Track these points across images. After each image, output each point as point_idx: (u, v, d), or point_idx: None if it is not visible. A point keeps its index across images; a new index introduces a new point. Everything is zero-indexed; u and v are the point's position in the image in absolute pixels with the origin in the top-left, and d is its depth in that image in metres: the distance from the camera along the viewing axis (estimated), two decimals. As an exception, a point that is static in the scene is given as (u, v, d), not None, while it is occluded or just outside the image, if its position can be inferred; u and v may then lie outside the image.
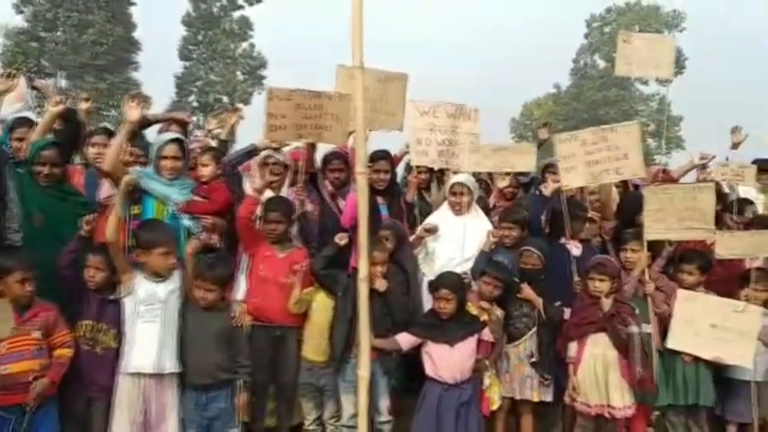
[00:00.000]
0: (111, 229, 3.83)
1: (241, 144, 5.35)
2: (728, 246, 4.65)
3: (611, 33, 34.19)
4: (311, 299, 4.31)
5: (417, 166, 5.31)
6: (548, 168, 5.53)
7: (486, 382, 4.35)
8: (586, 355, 4.34)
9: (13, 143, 4.57)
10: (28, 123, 4.68)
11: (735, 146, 6.58)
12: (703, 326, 4.51)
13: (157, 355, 3.82)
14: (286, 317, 4.28)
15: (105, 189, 4.30)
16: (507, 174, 5.43)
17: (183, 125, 5.65)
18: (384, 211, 4.91)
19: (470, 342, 4.20)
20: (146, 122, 5.24)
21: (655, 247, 4.73)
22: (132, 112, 4.14)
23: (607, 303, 4.32)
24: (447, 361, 4.14)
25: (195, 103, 34.14)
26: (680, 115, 36.51)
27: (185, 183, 4.39)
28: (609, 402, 4.26)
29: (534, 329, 4.47)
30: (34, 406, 3.54)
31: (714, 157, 6.11)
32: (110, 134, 4.88)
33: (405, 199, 5.26)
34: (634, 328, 4.30)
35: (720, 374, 4.61)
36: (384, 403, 4.26)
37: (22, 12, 29.74)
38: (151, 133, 5.31)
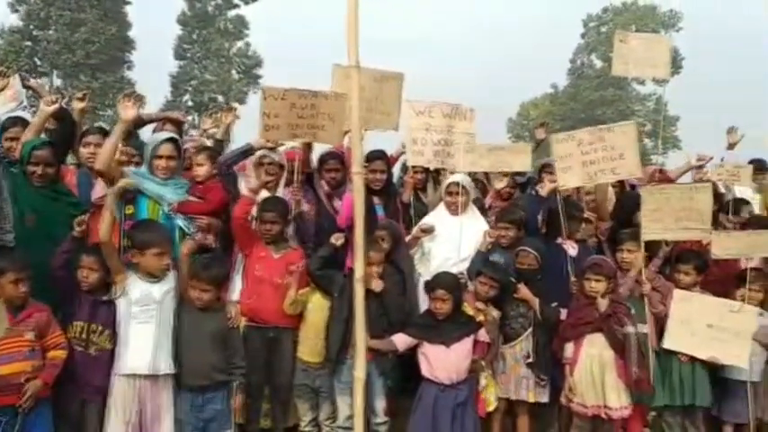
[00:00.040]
0: (105, 229, 3.81)
1: (237, 144, 5.32)
2: (724, 246, 4.65)
3: (608, 33, 34.21)
4: (306, 300, 4.30)
5: (413, 167, 5.30)
6: (544, 168, 5.52)
7: (483, 382, 4.35)
8: (583, 355, 4.34)
9: (5, 143, 4.53)
10: (21, 123, 4.64)
11: (731, 146, 6.59)
12: (699, 326, 4.52)
13: (152, 356, 3.80)
14: (281, 318, 4.26)
15: (99, 189, 4.26)
16: (505, 174, 5.42)
17: (177, 125, 5.62)
18: (380, 212, 4.91)
19: (466, 343, 4.19)
20: (140, 122, 5.22)
21: (651, 248, 4.73)
22: (127, 111, 4.11)
23: (603, 304, 4.31)
24: (443, 362, 4.13)
25: (190, 103, 34.07)
26: (676, 115, 36.55)
27: (180, 182, 4.36)
28: (605, 403, 4.26)
29: (530, 330, 4.47)
30: (27, 408, 3.52)
31: (711, 158, 6.12)
32: (104, 134, 4.84)
33: (401, 199, 5.26)
34: (630, 329, 4.30)
35: (717, 375, 4.62)
36: (380, 404, 4.25)
37: (17, 11, 29.64)
38: (146, 133, 5.28)
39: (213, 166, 4.64)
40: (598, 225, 5.22)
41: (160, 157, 4.25)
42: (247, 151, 4.62)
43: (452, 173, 5.14)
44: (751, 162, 6.36)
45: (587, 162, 4.73)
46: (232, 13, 34.56)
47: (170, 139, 4.34)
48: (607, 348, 4.30)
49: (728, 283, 4.80)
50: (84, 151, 4.72)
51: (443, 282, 4.21)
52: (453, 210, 4.90)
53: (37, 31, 29.89)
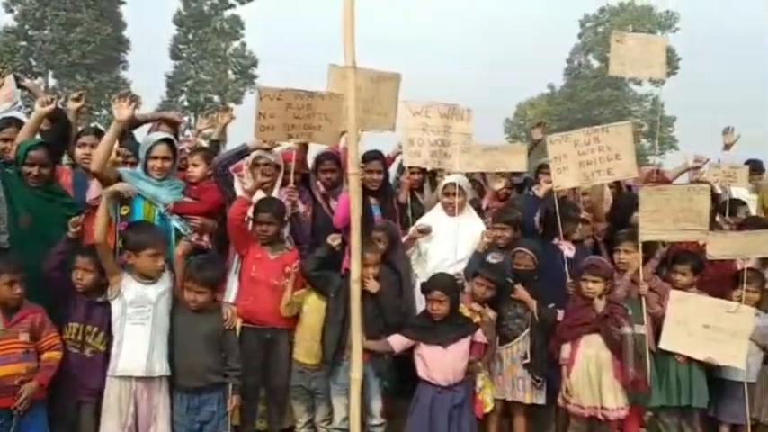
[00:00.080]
0: (100, 230, 3.79)
1: (232, 144, 5.31)
2: (720, 246, 4.65)
3: (605, 33, 34.29)
4: (302, 301, 4.28)
5: (410, 167, 5.29)
6: (541, 169, 5.52)
7: (479, 384, 4.34)
8: (579, 356, 4.33)
9: (0, 143, 4.51)
10: (16, 123, 4.63)
11: (727, 147, 6.60)
12: (696, 326, 4.51)
13: (147, 358, 3.79)
14: (277, 319, 4.25)
15: (94, 190, 4.25)
16: (502, 175, 5.42)
17: (173, 125, 5.61)
18: (377, 212, 4.90)
19: (463, 344, 4.18)
20: (135, 122, 5.20)
21: (648, 249, 4.73)
22: (122, 112, 4.09)
23: (600, 304, 4.31)
24: (440, 363, 4.12)
25: (186, 103, 34.07)
26: (673, 116, 36.68)
27: (175, 183, 4.35)
28: (602, 404, 4.24)
29: (527, 331, 4.45)
30: (22, 410, 3.51)
31: (708, 160, 6.13)
32: (100, 134, 4.82)
33: (397, 200, 5.25)
34: (627, 329, 4.29)
35: (713, 375, 4.61)
36: (376, 405, 4.23)
37: (11, 11, 29.58)
38: (141, 133, 5.26)
39: (208, 167, 4.63)
40: (595, 226, 5.22)
41: (155, 157, 4.24)
42: (243, 152, 4.60)
43: (449, 173, 5.13)
44: (747, 163, 6.38)
45: (583, 163, 4.73)
46: (228, 13, 34.56)
47: (165, 140, 4.33)
48: (604, 349, 4.29)
49: (724, 283, 4.80)
50: (79, 152, 4.70)
51: (440, 283, 4.19)
52: (450, 210, 4.90)
53: (32, 31, 29.87)
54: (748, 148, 7.06)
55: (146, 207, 4.18)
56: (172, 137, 4.60)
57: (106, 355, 3.83)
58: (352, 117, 3.72)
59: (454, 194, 4.86)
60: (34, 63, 30.03)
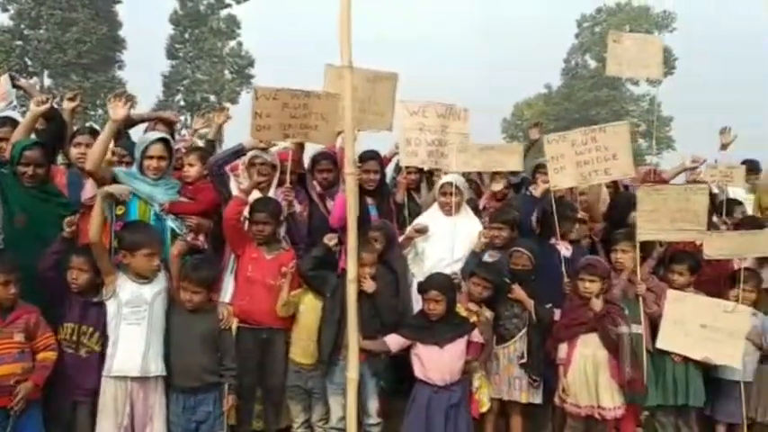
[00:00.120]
0: (95, 229, 3.78)
1: (228, 144, 5.30)
2: (716, 246, 4.66)
3: (602, 33, 34.32)
4: (299, 301, 4.27)
5: (407, 167, 5.28)
6: (538, 169, 5.52)
7: (476, 384, 4.34)
8: (576, 355, 4.33)
9: (-6, 143, 4.50)
10: (10, 123, 4.61)
11: (723, 147, 6.60)
12: (693, 326, 4.52)
13: (143, 358, 3.78)
14: (273, 319, 4.24)
15: (89, 189, 4.23)
16: (501, 176, 5.41)
17: (169, 125, 5.60)
18: (373, 212, 4.89)
19: (460, 343, 4.17)
20: (131, 122, 5.19)
21: (645, 248, 4.73)
22: (117, 111, 4.08)
23: (597, 304, 4.31)
24: (436, 362, 4.11)
25: (182, 102, 34.03)
26: (670, 116, 36.74)
27: (170, 183, 4.34)
28: (599, 403, 4.25)
29: (524, 330, 4.45)
30: (19, 410, 3.50)
31: (705, 160, 6.14)
32: (95, 134, 4.81)
33: (394, 199, 5.24)
34: (624, 329, 4.30)
35: (710, 375, 4.62)
36: (373, 405, 4.23)
37: (7, 10, 29.50)
38: (137, 133, 5.25)
39: (204, 167, 4.61)
40: (592, 226, 5.22)
41: (151, 157, 4.23)
42: (239, 151, 4.59)
43: (446, 173, 5.13)
44: (743, 163, 6.39)
45: (581, 162, 4.72)
46: (224, 12, 34.53)
47: (161, 140, 4.32)
48: (600, 349, 4.29)
49: (721, 283, 4.81)
50: (74, 151, 4.69)
51: (437, 282, 4.19)
52: (447, 210, 4.89)
53: (28, 31, 29.81)
54: (747, 147, 7.07)
55: (141, 207, 4.17)
56: (168, 136, 4.60)
57: (101, 356, 3.82)
58: (349, 117, 3.72)
59: (451, 194, 4.85)
60: (30, 62, 29.97)
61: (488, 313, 4.44)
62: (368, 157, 4.96)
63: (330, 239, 4.24)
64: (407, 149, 5.14)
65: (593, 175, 4.75)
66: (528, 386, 4.42)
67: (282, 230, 4.53)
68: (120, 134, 4.68)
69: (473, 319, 4.32)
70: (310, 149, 5.02)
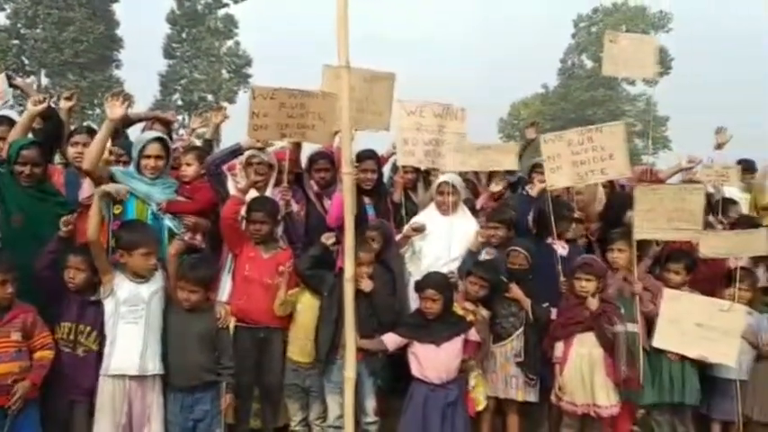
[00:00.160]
0: (92, 228, 3.78)
1: (226, 143, 5.30)
2: (712, 245, 4.68)
3: (598, 33, 34.36)
4: (296, 300, 4.28)
5: (404, 166, 5.29)
6: (535, 168, 5.54)
7: (472, 382, 4.35)
8: (573, 354, 4.35)
9: (-9, 142, 4.50)
10: (7, 122, 4.61)
11: (719, 146, 6.62)
12: (689, 325, 4.54)
13: (140, 357, 3.78)
14: (271, 318, 4.24)
15: (86, 189, 4.23)
16: (500, 177, 5.42)
17: (166, 124, 5.60)
18: (371, 212, 4.90)
19: (456, 342, 4.19)
20: (128, 121, 5.18)
21: (641, 247, 4.75)
22: (114, 110, 4.08)
23: (593, 303, 4.32)
24: (433, 361, 4.13)
25: (179, 102, 33.97)
26: (666, 116, 36.79)
27: (168, 182, 4.34)
28: (595, 401, 4.27)
29: (521, 329, 4.47)
30: (17, 409, 3.50)
31: (701, 161, 6.15)
32: (92, 133, 4.81)
33: (391, 199, 5.25)
34: (620, 328, 4.32)
35: (705, 373, 4.63)
36: (370, 404, 4.24)
37: (3, 9, 29.44)
38: (134, 132, 5.25)
39: (201, 166, 4.62)
40: (588, 225, 5.23)
41: (148, 156, 4.23)
42: (236, 151, 4.60)
43: (443, 173, 5.14)
44: (739, 162, 6.41)
45: (577, 162, 4.74)
46: (221, 12, 34.48)
47: (158, 139, 4.32)
48: (596, 347, 4.31)
49: (717, 282, 4.83)
50: (71, 151, 4.69)
51: (433, 281, 4.20)
52: (444, 209, 4.90)
53: (24, 30, 29.74)
54: (747, 147, 7.10)
55: (138, 206, 4.17)
56: (165, 136, 4.60)
57: (99, 355, 3.81)
58: (346, 116, 3.72)
59: (448, 193, 4.86)
60: (27, 62, 29.90)
61: (485, 312, 4.45)
62: (365, 156, 4.97)
63: (327, 239, 4.24)
64: (404, 149, 5.15)
65: (589, 175, 4.76)
66: (524, 384, 4.44)
67: (280, 230, 4.54)
68: (118, 133, 4.68)
69: (470, 317, 4.34)
70: (307, 149, 5.02)
